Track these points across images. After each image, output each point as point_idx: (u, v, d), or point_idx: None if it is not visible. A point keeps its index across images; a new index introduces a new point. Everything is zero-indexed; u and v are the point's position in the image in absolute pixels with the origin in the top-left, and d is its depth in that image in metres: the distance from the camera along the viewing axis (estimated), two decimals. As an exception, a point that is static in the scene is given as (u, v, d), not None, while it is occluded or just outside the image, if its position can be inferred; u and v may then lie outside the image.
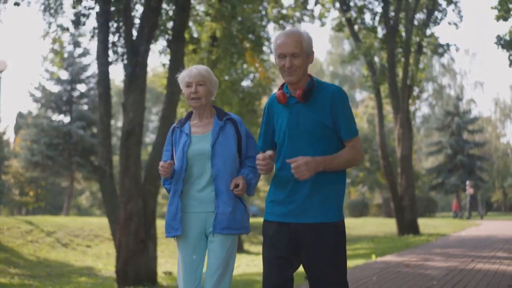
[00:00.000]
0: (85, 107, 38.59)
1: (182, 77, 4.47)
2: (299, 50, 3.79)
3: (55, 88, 38.67)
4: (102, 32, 13.27)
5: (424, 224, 27.75)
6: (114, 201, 13.05)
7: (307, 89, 3.83)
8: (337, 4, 25.07)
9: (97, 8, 13.73)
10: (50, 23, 16.24)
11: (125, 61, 12.53)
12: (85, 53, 39.26)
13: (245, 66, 19.80)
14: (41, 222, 21.66)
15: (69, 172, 37.31)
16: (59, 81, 38.48)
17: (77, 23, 13.04)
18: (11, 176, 45.68)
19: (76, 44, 38.66)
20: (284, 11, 22.73)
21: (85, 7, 13.00)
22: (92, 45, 45.36)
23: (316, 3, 25.37)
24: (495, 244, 16.04)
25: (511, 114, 72.43)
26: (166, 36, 15.21)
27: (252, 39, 17.03)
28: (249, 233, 4.56)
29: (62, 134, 36.18)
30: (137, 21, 13.66)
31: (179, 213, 4.28)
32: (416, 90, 25.96)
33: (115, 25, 13.71)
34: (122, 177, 12.37)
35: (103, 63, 13.29)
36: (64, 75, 38.47)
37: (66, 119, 38.18)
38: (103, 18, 13.18)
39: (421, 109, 67.16)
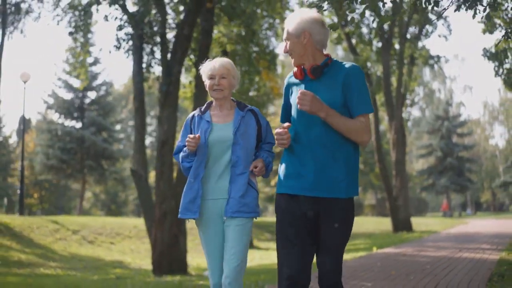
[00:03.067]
0: (95, 113, 40.47)
1: (206, 69, 4.54)
2: (287, 35, 3.92)
3: (67, 95, 40.65)
4: (137, 54, 15.26)
5: (417, 222, 29.93)
6: (149, 201, 15.00)
7: (318, 66, 3.88)
8: (335, 19, 27.02)
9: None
10: (80, 41, 18.19)
11: (160, 80, 14.47)
12: (96, 62, 41.17)
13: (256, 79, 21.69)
14: (66, 221, 23.55)
15: (81, 175, 39.24)
16: (71, 88, 40.57)
17: (118, 46, 15.02)
18: (16, 179, 47.34)
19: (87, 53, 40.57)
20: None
21: (125, 33, 14.97)
22: (102, 55, 47.11)
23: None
24: (481, 238, 18.11)
25: (499, 116, 74.34)
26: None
27: (267, 58, 19.00)
28: (258, 216, 4.55)
29: (75, 139, 38.20)
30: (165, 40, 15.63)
31: (199, 198, 4.41)
32: (408, 98, 28.05)
33: (149, 47, 15.67)
34: (158, 180, 14.32)
35: (138, 81, 15.28)
36: (76, 82, 40.39)
37: (78, 125, 40.16)
38: (139, 42, 15.14)
39: (412, 112, 69.08)
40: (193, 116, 4.59)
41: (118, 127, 49.74)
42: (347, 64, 3.88)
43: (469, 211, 63.82)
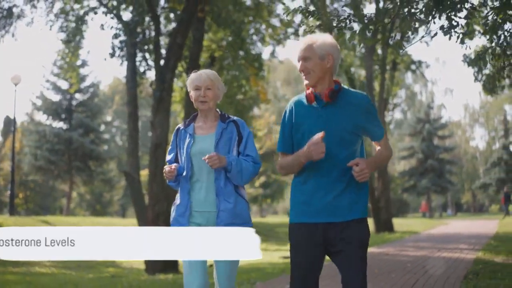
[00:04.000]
0: (83, 115, 40.99)
1: (192, 80, 4.58)
2: (310, 53, 3.89)
3: (55, 97, 41.19)
4: (131, 61, 15.88)
5: (398, 223, 30.73)
6: (142, 203, 15.61)
7: (334, 90, 3.89)
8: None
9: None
10: (71, 47, 18.77)
11: (154, 87, 15.10)
12: (84, 64, 41.59)
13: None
14: (57, 221, 24.10)
15: (69, 176, 39.72)
16: (59, 90, 41.08)
17: (112, 54, 15.65)
18: (1, 179, 47.53)
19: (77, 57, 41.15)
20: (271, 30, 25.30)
21: (120, 41, 15.60)
22: (90, 57, 47.36)
23: (301, 24, 27.96)
24: (459, 239, 18.89)
25: (480, 118, 75.50)
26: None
27: (255, 65, 19.67)
28: (252, 227, 4.36)
29: (63, 141, 38.73)
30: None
31: (188, 211, 4.43)
32: (391, 103, 28.85)
33: (141, 55, 16.32)
34: (151, 182, 14.93)
35: (132, 86, 15.90)
36: (64, 84, 40.92)
37: (65, 126, 40.67)
38: (133, 49, 15.75)
39: (394, 115, 69.98)
40: (179, 129, 4.68)
41: (102, 127, 50.27)
42: (359, 94, 3.98)
43: (450, 212, 64.83)
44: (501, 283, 8.39)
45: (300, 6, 7.19)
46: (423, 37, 6.01)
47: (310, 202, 3.90)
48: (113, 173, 42.43)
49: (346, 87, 4.00)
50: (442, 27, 6.30)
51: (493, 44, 9.11)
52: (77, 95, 41.59)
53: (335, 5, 25.90)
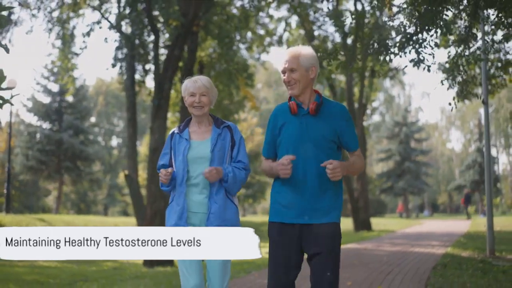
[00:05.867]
0: (72, 117, 42.04)
1: (186, 86, 4.64)
2: (296, 65, 4.08)
3: (45, 99, 42.31)
4: (130, 70, 17.15)
5: (376, 222, 32.35)
6: (140, 202, 16.87)
7: (319, 103, 4.12)
8: (303, 32, 29.02)
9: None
10: (68, 53, 19.97)
11: (152, 95, 16.39)
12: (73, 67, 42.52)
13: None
14: (52, 219, 25.24)
15: (58, 175, 40.83)
16: (49, 92, 42.23)
17: (114, 65, 16.98)
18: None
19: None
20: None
21: (121, 52, 16.90)
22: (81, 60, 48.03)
23: (284, 30, 29.29)
24: (432, 237, 20.41)
25: (456, 121, 77.06)
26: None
27: (245, 76, 21.00)
28: None
29: (53, 142, 39.89)
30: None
31: (185, 213, 4.51)
32: (369, 108, 30.33)
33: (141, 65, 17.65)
34: (149, 183, 16.17)
35: (131, 94, 17.18)
36: (54, 87, 42.17)
37: (55, 128, 41.77)
38: (132, 60, 17.03)
39: (373, 118, 71.36)
40: (173, 133, 4.73)
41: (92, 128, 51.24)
42: (338, 105, 4.26)
43: (426, 212, 66.15)
44: (465, 273, 9.73)
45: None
46: (396, 69, 7.35)
47: (289, 204, 4.15)
48: (100, 173, 43.47)
49: (325, 97, 4.28)
50: (412, 60, 7.71)
51: (466, 53, 10.13)
52: (67, 97, 42.69)
53: (317, 15, 27.17)
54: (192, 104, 4.60)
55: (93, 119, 60.34)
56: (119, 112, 73.14)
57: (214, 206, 4.49)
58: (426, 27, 7.42)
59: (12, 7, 5.53)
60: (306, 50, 4.14)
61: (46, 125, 42.06)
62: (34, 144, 39.91)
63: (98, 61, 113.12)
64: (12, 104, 5.48)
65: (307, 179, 4.11)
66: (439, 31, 7.44)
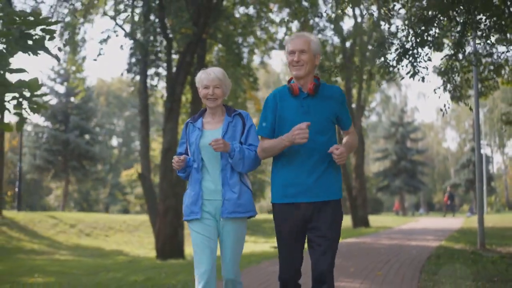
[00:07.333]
0: (79, 118, 43.07)
1: (200, 78, 4.68)
2: (307, 48, 4.26)
3: (52, 101, 43.26)
4: (143, 74, 18.17)
5: (373, 220, 33.50)
6: (153, 199, 17.90)
7: (317, 84, 4.29)
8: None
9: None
10: (78, 57, 20.95)
11: (164, 99, 17.41)
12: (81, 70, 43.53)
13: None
14: (63, 216, 26.27)
15: (65, 175, 41.88)
16: (56, 94, 43.31)
17: (129, 70, 18.03)
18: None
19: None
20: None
21: (135, 58, 17.94)
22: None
23: (285, 34, 30.21)
24: (427, 232, 21.48)
25: (451, 121, 77.87)
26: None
27: (251, 80, 21.95)
28: (256, 214, 4.77)
29: (60, 142, 40.98)
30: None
31: (200, 199, 4.59)
32: (367, 110, 31.38)
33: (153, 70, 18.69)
34: (162, 182, 17.18)
35: (144, 98, 18.20)
36: (61, 89, 43.37)
37: (62, 128, 42.84)
38: (145, 66, 18.06)
39: (370, 117, 72.04)
40: (187, 123, 4.82)
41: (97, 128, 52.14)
42: (334, 87, 4.43)
43: (422, 210, 66.83)
44: (456, 262, 10.76)
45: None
46: (393, 79, 8.34)
47: (293, 183, 4.28)
48: (104, 173, 44.39)
49: (323, 81, 4.44)
50: (408, 73, 8.79)
51: (460, 57, 10.82)
52: (73, 99, 43.79)
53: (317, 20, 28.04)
54: (206, 96, 4.66)
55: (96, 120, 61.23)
56: (119, 112, 73.88)
57: (229, 193, 4.56)
58: (419, 46, 8.43)
59: (59, 22, 6.25)
60: (316, 38, 4.34)
61: (53, 126, 43.24)
62: (41, 144, 41.11)
63: (98, 61, 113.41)
64: (47, 108, 5.59)
65: (312, 157, 4.27)
66: (432, 48, 8.44)
